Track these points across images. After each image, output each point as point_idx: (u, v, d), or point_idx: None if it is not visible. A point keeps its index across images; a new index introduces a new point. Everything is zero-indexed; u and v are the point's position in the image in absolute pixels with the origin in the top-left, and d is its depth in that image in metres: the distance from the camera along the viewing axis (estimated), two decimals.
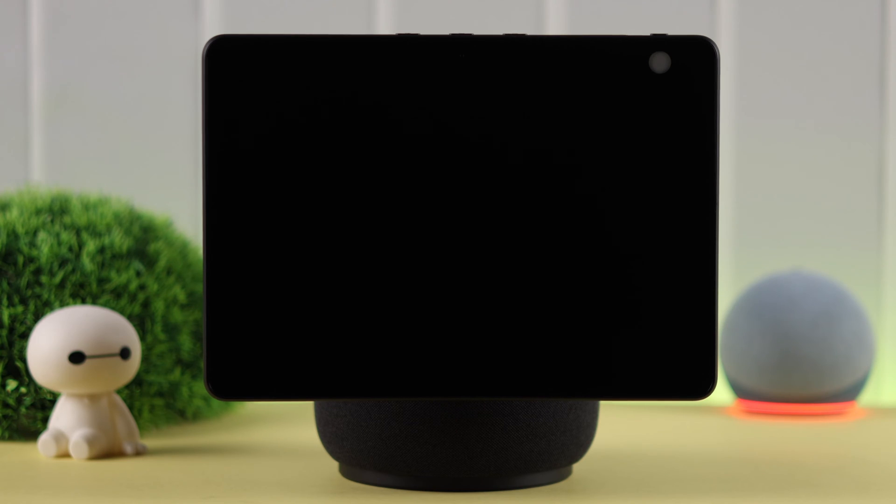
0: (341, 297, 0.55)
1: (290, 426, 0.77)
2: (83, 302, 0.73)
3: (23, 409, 0.71)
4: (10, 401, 0.71)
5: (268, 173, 0.55)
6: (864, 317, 0.84)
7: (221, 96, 0.54)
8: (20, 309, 0.72)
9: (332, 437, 0.59)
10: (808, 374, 0.82)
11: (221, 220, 0.55)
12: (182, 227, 0.86)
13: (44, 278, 0.73)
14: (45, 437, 0.66)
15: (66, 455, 0.66)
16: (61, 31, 0.98)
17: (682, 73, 0.55)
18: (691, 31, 0.86)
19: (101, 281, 0.74)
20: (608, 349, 0.55)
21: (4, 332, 0.71)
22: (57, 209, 0.77)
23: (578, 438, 0.59)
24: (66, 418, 0.67)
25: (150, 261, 0.77)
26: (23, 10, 0.98)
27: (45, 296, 0.72)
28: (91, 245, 0.74)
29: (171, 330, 0.76)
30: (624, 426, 0.77)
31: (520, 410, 0.57)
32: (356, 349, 0.55)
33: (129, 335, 0.67)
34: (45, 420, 0.71)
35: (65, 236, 0.74)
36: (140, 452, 0.67)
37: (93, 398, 0.67)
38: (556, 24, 0.95)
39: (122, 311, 0.73)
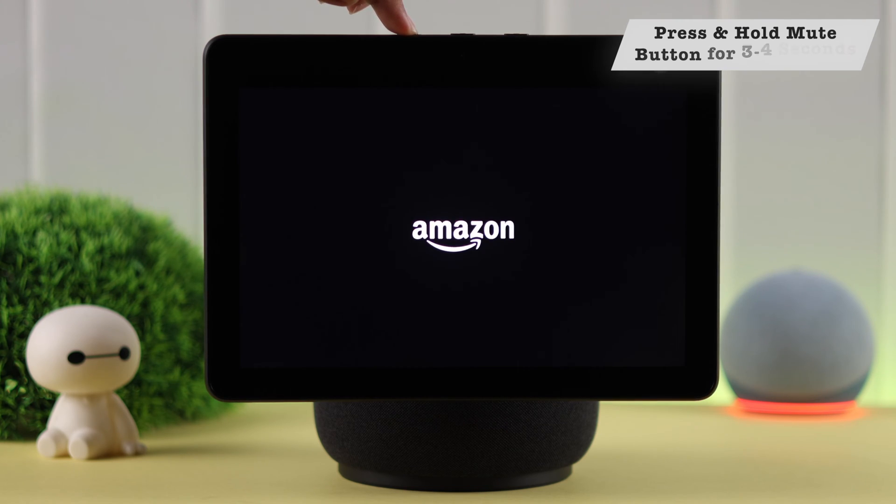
0: (341, 297, 0.55)
1: (290, 426, 0.77)
2: (82, 302, 0.73)
3: (22, 409, 0.71)
4: (10, 401, 0.71)
5: (268, 173, 0.55)
6: (864, 317, 0.84)
7: (222, 96, 0.54)
8: (19, 309, 0.72)
9: (332, 437, 0.59)
10: (808, 374, 0.82)
11: (222, 220, 0.55)
12: (181, 227, 0.86)
13: (43, 278, 0.73)
14: (44, 438, 0.66)
15: (66, 455, 0.66)
16: (61, 31, 0.98)
17: (684, 74, 0.55)
18: None
19: (101, 281, 0.74)
20: (609, 349, 0.55)
21: (4, 332, 0.71)
22: (56, 209, 0.77)
23: (579, 438, 0.59)
24: (66, 418, 0.67)
25: (149, 260, 0.77)
26: (23, 10, 0.98)
27: (45, 296, 0.72)
28: (90, 245, 0.74)
29: (171, 330, 0.76)
30: (624, 426, 0.77)
31: (521, 411, 0.57)
32: (356, 349, 0.55)
33: (128, 335, 0.67)
34: (45, 420, 0.71)
35: (64, 236, 0.74)
36: (139, 452, 0.67)
37: (92, 398, 0.67)
38: (556, 24, 0.95)
39: (121, 311, 0.73)
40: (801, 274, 0.85)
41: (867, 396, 0.94)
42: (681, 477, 0.62)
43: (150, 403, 0.75)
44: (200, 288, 0.79)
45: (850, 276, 0.93)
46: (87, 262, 0.74)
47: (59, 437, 0.66)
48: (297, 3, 0.96)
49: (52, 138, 0.98)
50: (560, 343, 0.55)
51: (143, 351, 0.74)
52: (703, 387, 0.55)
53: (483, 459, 0.57)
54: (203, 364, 0.77)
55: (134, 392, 0.74)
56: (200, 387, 0.77)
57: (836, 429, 0.79)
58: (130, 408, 0.73)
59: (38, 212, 0.76)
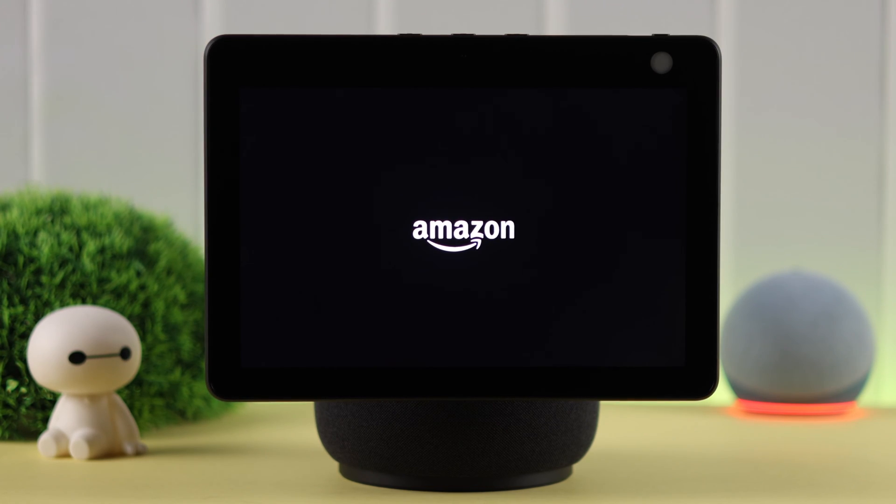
0: (341, 297, 0.55)
1: (290, 426, 0.77)
2: (83, 302, 0.73)
3: (23, 410, 0.71)
4: (11, 401, 0.71)
5: (268, 173, 0.55)
6: (864, 317, 0.84)
7: (223, 96, 0.54)
8: (20, 309, 0.72)
9: (333, 437, 0.59)
10: (808, 374, 0.82)
11: (223, 221, 0.55)
12: (182, 227, 0.86)
13: (44, 278, 0.73)
14: (45, 437, 0.66)
15: (67, 455, 0.66)
16: (61, 31, 0.98)
17: (684, 73, 0.55)
18: (691, 30, 0.86)
19: (102, 281, 0.74)
20: (609, 349, 0.55)
21: (5, 333, 0.71)
22: (57, 209, 0.77)
23: (579, 438, 0.59)
24: (67, 418, 0.67)
25: (150, 261, 0.77)
26: (23, 10, 0.98)
27: (46, 296, 0.72)
28: (91, 245, 0.74)
29: (172, 330, 0.76)
30: (624, 426, 0.77)
31: (521, 410, 0.57)
32: (356, 349, 0.55)
33: (129, 335, 0.67)
34: (46, 420, 0.71)
35: (65, 236, 0.74)
36: (140, 452, 0.67)
37: (93, 398, 0.67)
38: (556, 24, 0.95)
39: (122, 312, 0.73)
40: (801, 274, 0.85)
41: (867, 397, 0.94)
42: (681, 477, 0.62)
43: (150, 403, 0.75)
44: (201, 288, 0.79)
45: (851, 276, 0.93)
46: (88, 263, 0.74)
47: (60, 437, 0.66)
48: (297, 3, 0.97)
49: (52, 139, 0.98)
50: (560, 343, 0.55)
51: (143, 351, 0.74)
52: (703, 387, 0.55)
53: (483, 459, 0.57)
54: (204, 364, 0.77)
55: (135, 392, 0.74)
56: (201, 387, 0.77)
57: (836, 429, 0.79)
58: (131, 408, 0.73)
59: (39, 212, 0.76)
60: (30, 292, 0.72)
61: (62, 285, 0.73)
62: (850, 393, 0.83)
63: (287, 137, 0.55)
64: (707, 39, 0.55)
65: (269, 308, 0.55)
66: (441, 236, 0.55)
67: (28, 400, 0.71)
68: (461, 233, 0.55)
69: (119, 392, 0.73)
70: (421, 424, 0.57)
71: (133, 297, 0.75)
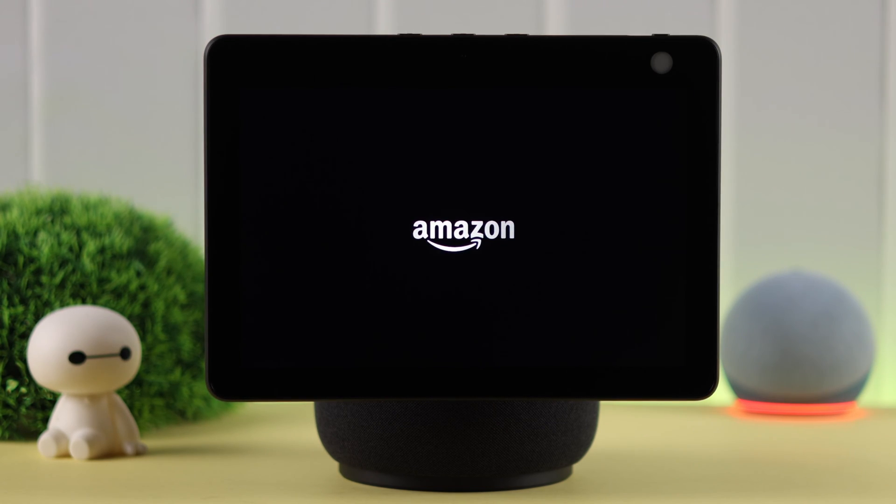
0: (342, 297, 0.55)
1: (290, 426, 0.77)
2: (83, 302, 0.73)
3: (23, 410, 0.71)
4: (11, 401, 0.71)
5: (269, 173, 0.55)
6: (864, 317, 0.84)
7: (223, 96, 0.54)
8: (20, 309, 0.72)
9: (333, 437, 0.59)
10: (808, 374, 0.82)
11: (223, 221, 0.55)
12: (182, 228, 0.86)
13: (44, 278, 0.73)
14: (45, 438, 0.66)
15: (66, 455, 0.66)
16: (61, 31, 0.98)
17: (684, 73, 0.55)
18: (691, 30, 0.86)
19: (102, 281, 0.74)
20: (608, 349, 0.55)
21: (5, 333, 0.71)
22: (57, 209, 0.77)
23: (579, 438, 0.59)
24: (67, 418, 0.67)
25: (150, 261, 0.77)
26: (23, 10, 0.98)
27: (46, 296, 0.72)
28: (91, 245, 0.74)
29: (172, 330, 0.76)
30: (624, 426, 0.77)
31: (521, 410, 0.57)
32: (356, 349, 0.55)
33: (129, 335, 0.67)
34: (46, 420, 0.71)
35: (65, 236, 0.74)
36: (140, 452, 0.67)
37: (93, 398, 0.67)
38: (556, 24, 0.95)
39: (122, 312, 0.73)
40: (801, 274, 0.85)
41: (867, 397, 0.94)
42: (681, 477, 0.62)
43: (150, 404, 0.75)
44: (201, 288, 0.79)
45: (851, 276, 0.93)
46: (88, 263, 0.74)
47: (60, 437, 0.66)
48: (297, 3, 0.97)
49: (52, 139, 0.98)
50: (560, 343, 0.55)
51: (143, 351, 0.74)
52: (703, 387, 0.55)
53: (483, 459, 0.57)
54: (204, 364, 0.77)
55: (135, 392, 0.74)
56: (201, 387, 0.77)
57: (836, 429, 0.79)
58: (131, 408, 0.73)
59: (39, 212, 0.76)
60: (30, 292, 0.72)
61: (62, 285, 0.73)
62: (850, 393, 0.83)
63: (287, 137, 0.55)
64: (707, 39, 0.55)
65: (269, 308, 0.55)
66: (441, 236, 0.55)
67: (28, 400, 0.71)
68: (461, 233, 0.55)
69: (119, 392, 0.73)
70: (421, 424, 0.57)
71: (133, 297, 0.75)
